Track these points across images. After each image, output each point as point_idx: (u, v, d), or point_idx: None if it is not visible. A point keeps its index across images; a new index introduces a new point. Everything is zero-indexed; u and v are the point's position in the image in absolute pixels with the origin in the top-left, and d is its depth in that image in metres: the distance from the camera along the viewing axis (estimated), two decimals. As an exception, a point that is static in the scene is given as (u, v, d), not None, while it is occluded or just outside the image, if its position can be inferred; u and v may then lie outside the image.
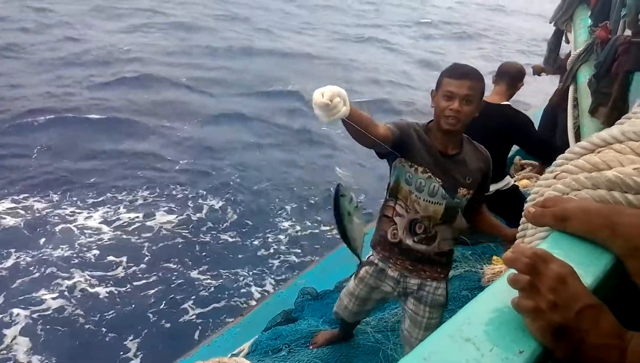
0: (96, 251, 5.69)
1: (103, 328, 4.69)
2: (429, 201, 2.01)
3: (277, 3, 21.38)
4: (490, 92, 3.46)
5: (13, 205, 6.32)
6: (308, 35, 17.30)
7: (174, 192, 7.18)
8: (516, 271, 0.70)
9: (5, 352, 4.33)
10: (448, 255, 2.19)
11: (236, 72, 12.72)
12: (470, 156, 2.06)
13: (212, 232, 6.40)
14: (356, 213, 1.98)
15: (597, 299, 0.66)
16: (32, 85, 10.10)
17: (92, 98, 9.86)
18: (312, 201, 7.46)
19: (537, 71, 4.90)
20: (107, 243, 5.88)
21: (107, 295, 5.09)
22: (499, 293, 0.73)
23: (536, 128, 4.03)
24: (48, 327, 4.63)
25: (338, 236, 2.16)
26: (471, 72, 1.92)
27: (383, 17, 21.80)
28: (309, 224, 6.85)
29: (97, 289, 5.14)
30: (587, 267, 0.76)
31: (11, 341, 4.44)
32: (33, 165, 7.35)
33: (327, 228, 6.70)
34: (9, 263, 5.34)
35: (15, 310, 4.74)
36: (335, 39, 17.18)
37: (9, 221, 6.00)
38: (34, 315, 4.73)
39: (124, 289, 5.20)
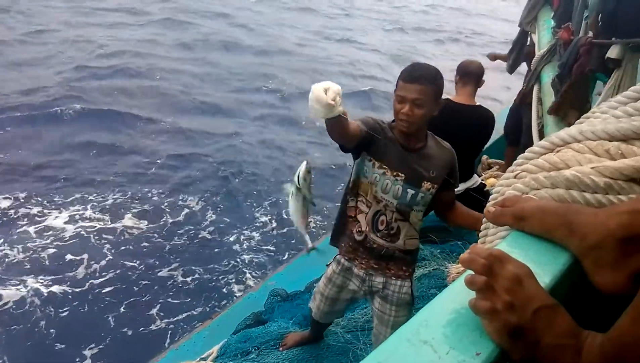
0: (56, 251, 5.51)
1: (61, 333, 4.52)
2: (382, 198, 2.07)
3: (249, 4, 21.31)
4: (457, 93, 3.50)
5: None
6: (284, 33, 17.25)
7: (146, 189, 7.00)
8: (473, 272, 0.69)
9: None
10: (413, 254, 2.22)
11: (215, 67, 12.60)
12: (435, 150, 2.10)
13: (187, 231, 6.25)
14: (299, 194, 2.06)
15: (552, 299, 0.66)
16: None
17: (64, 93, 9.57)
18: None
19: (492, 58, 5.08)
20: (70, 242, 5.70)
21: (67, 297, 4.92)
22: (457, 294, 0.72)
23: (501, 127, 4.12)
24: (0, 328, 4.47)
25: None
26: (424, 75, 1.92)
27: (354, 23, 21.79)
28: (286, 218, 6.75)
29: (55, 290, 4.97)
30: (545, 266, 0.76)
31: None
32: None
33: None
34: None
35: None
36: (309, 39, 17.15)
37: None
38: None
39: (83, 290, 5.03)
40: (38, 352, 4.33)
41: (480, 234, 1.10)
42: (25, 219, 5.97)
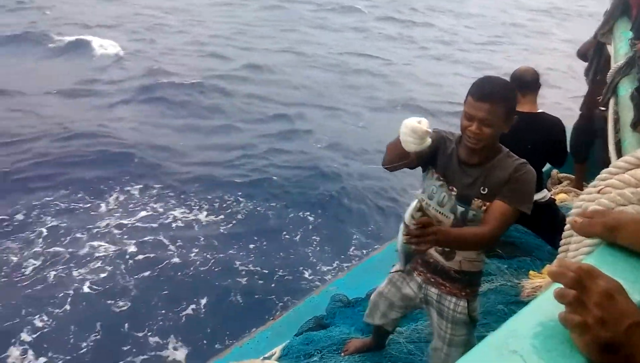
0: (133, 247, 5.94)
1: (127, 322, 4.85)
2: (437, 211, 1.84)
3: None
4: (519, 103, 3.39)
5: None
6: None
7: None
8: (562, 286, 0.70)
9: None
10: (470, 275, 2.10)
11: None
12: (498, 167, 1.94)
13: (255, 232, 6.52)
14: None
15: None
16: None
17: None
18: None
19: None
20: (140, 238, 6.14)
21: (139, 289, 5.26)
22: (544, 307, 0.74)
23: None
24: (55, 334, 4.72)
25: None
26: (494, 92, 1.83)
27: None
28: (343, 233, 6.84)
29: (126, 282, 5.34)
30: (635, 283, 0.76)
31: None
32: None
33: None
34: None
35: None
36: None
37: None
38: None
39: (159, 282, 5.38)
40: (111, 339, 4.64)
41: (560, 249, 1.10)
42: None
